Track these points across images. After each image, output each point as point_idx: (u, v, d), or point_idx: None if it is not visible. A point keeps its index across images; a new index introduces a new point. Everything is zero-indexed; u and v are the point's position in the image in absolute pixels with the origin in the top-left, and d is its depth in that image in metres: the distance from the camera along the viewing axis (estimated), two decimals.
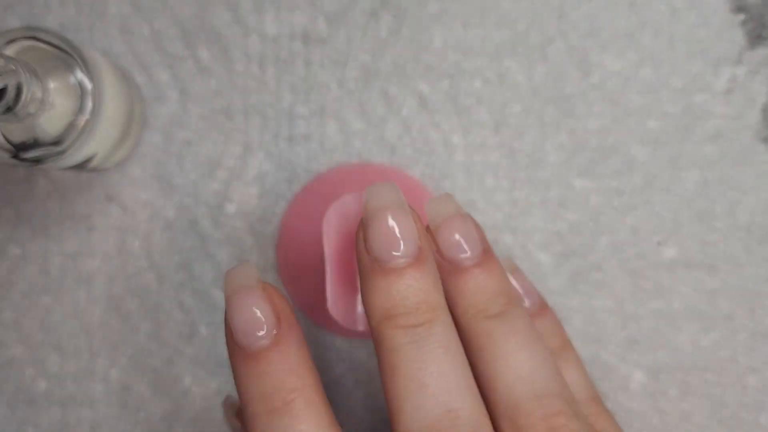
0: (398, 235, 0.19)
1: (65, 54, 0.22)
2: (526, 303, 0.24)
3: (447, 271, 0.20)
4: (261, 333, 0.19)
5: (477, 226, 0.21)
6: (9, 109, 0.20)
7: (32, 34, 0.22)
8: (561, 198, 0.28)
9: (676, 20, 0.28)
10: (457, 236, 0.20)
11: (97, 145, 0.24)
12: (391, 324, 0.18)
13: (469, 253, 0.20)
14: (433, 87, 0.28)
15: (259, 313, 0.19)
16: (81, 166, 0.25)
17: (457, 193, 0.29)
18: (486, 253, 0.20)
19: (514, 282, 0.24)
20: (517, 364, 0.18)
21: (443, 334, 0.18)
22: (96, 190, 0.29)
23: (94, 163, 0.25)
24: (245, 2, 0.28)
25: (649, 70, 0.28)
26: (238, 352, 0.19)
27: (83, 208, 0.29)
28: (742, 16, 0.28)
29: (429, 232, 0.20)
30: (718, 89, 0.28)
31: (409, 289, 0.19)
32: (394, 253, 0.19)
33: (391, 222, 0.19)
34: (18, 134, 0.22)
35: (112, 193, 0.29)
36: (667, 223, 0.28)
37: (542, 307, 0.26)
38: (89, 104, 0.22)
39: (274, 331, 0.19)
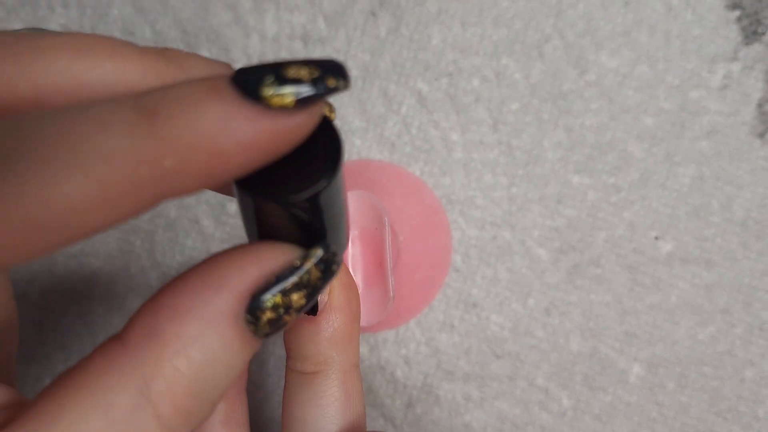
0: None
1: None
2: None
3: None
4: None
5: None
6: None
7: None
8: (559, 194, 0.29)
9: (672, 17, 0.28)
10: None
11: None
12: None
13: None
14: (432, 85, 0.29)
15: None
16: None
17: (456, 189, 0.29)
18: None
19: None
20: None
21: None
22: None
23: None
24: (245, 2, 0.28)
25: (645, 67, 0.29)
26: None
27: None
28: (737, 13, 0.28)
29: None
30: (713, 86, 0.28)
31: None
32: None
33: None
34: None
35: None
36: (664, 219, 0.29)
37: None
38: None
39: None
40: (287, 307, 0.13)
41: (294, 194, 0.13)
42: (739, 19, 0.28)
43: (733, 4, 0.28)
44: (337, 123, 0.29)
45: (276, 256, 0.13)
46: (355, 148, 0.29)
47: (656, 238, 0.29)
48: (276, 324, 0.13)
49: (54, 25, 0.29)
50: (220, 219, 0.29)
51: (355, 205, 0.25)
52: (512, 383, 0.29)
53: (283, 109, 0.11)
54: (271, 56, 0.29)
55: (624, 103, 0.29)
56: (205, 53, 0.29)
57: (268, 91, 0.11)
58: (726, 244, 0.29)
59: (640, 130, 0.29)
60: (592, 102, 0.29)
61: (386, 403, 0.29)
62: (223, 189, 0.16)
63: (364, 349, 0.29)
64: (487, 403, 0.29)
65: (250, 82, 0.11)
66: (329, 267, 0.14)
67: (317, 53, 0.29)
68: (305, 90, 0.12)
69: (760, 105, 0.28)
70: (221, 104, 0.11)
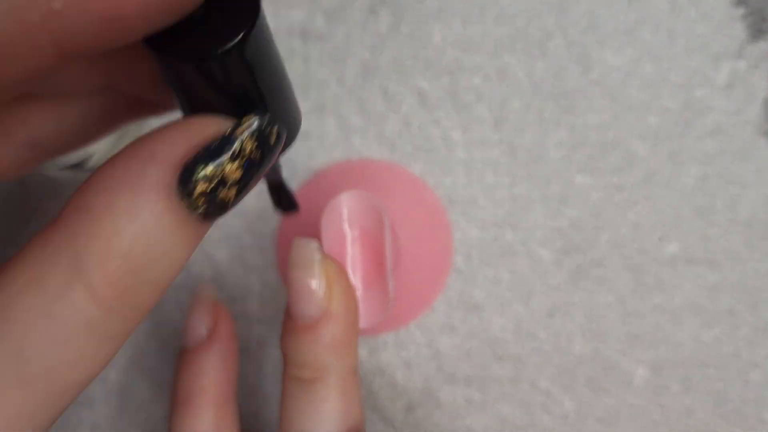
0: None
1: None
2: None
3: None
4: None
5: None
6: None
7: None
8: (562, 194, 0.28)
9: (676, 15, 0.28)
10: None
11: (94, 144, 0.24)
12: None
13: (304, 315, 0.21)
14: (433, 83, 0.28)
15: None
16: (79, 166, 0.24)
17: (457, 189, 0.28)
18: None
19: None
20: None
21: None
22: None
23: (91, 163, 0.25)
24: None
25: (649, 66, 0.28)
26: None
27: None
28: (742, 10, 0.28)
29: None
30: (718, 84, 0.28)
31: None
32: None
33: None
34: None
35: None
36: (668, 219, 0.28)
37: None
38: None
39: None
40: (222, 181, 0.12)
41: (206, 51, 0.12)
42: (744, 16, 0.28)
43: (738, 2, 0.28)
44: (337, 121, 0.29)
45: (206, 126, 0.13)
46: (355, 147, 0.28)
47: (660, 238, 0.28)
48: (211, 199, 0.13)
49: None
50: (220, 219, 0.29)
51: (355, 205, 0.24)
52: (514, 386, 0.28)
53: None
54: None
55: (627, 102, 0.28)
56: None
57: None
58: (731, 244, 0.28)
59: (643, 129, 0.28)
60: (595, 101, 0.28)
61: (386, 406, 0.29)
62: (154, 86, 0.15)
63: (363, 352, 0.29)
64: (489, 406, 0.28)
65: None
66: (266, 138, 0.13)
67: (316, 50, 0.28)
68: None
69: (765, 103, 0.28)
70: None
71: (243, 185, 0.13)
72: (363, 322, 0.24)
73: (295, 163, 0.28)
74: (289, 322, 0.21)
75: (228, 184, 0.13)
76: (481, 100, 0.28)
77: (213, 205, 0.13)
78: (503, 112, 0.28)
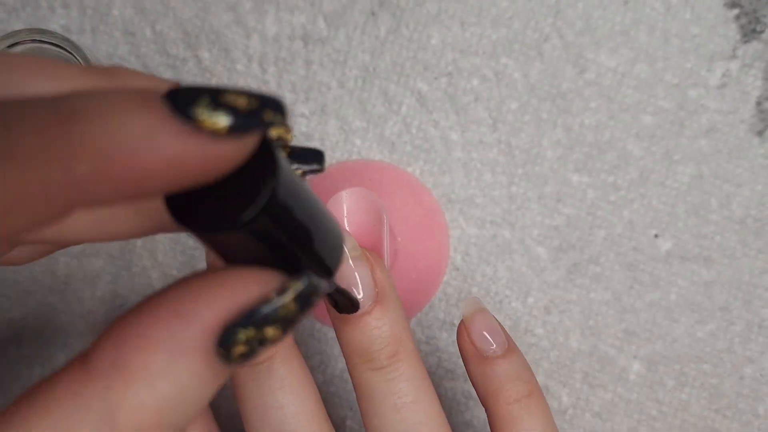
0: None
1: (69, 55, 0.23)
2: (493, 346, 0.23)
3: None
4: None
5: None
6: None
7: (37, 36, 0.23)
8: (558, 193, 0.29)
9: (671, 16, 0.29)
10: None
11: None
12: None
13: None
14: (432, 85, 0.29)
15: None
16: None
17: (456, 188, 0.29)
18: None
19: (479, 323, 0.24)
20: None
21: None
22: None
23: None
24: (246, 3, 0.29)
25: (643, 66, 0.29)
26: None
27: None
28: (735, 11, 0.29)
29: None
30: (712, 84, 0.29)
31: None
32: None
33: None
34: None
35: None
36: (663, 217, 0.29)
37: (509, 351, 0.23)
38: None
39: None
40: (261, 340, 0.12)
41: (227, 222, 0.12)
42: (737, 17, 0.29)
43: (731, 3, 0.29)
44: (337, 122, 0.29)
45: (249, 286, 0.12)
46: (355, 148, 0.29)
47: (656, 236, 0.29)
48: (249, 356, 0.12)
49: (54, 25, 0.29)
50: None
51: (355, 203, 0.25)
52: None
53: (214, 134, 0.11)
54: (271, 56, 0.29)
55: (623, 102, 0.29)
56: (205, 54, 0.29)
57: (201, 113, 0.11)
58: (725, 241, 0.29)
59: (639, 128, 0.29)
60: (591, 101, 0.29)
61: None
62: (164, 226, 0.15)
63: None
64: None
65: (183, 101, 0.11)
66: (308, 300, 0.13)
67: (317, 53, 0.29)
68: (238, 118, 0.11)
69: (758, 103, 0.29)
70: (147, 116, 0.11)
71: (279, 340, 0.13)
72: None
73: None
74: (343, 317, 0.21)
75: (267, 342, 0.13)
76: (479, 102, 0.29)
77: (249, 359, 0.13)
78: (501, 112, 0.29)
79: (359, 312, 0.21)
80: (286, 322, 0.13)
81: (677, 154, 0.29)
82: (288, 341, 0.23)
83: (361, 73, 0.29)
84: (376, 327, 0.21)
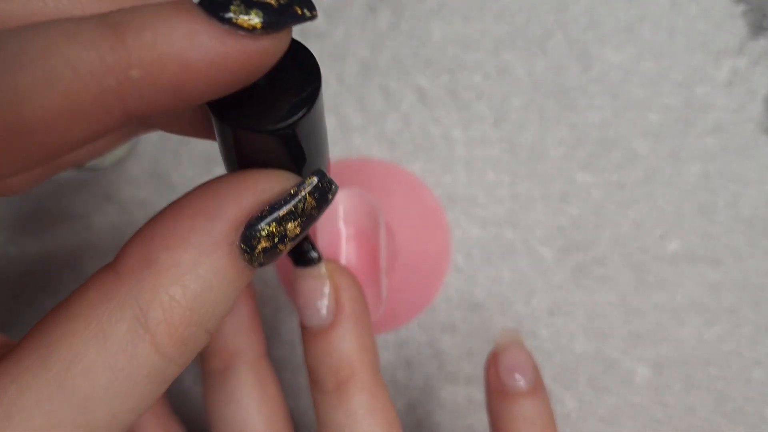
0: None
1: None
2: (519, 382, 0.22)
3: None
4: None
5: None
6: None
7: None
8: (562, 192, 0.28)
9: (676, 12, 0.28)
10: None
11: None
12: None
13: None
14: (433, 81, 0.28)
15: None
16: (79, 165, 0.24)
17: (458, 187, 0.28)
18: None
19: (510, 357, 0.23)
20: None
21: None
22: (94, 189, 0.29)
23: (91, 162, 0.25)
24: None
25: (649, 63, 0.28)
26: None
27: (81, 207, 0.29)
28: (742, 7, 0.28)
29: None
30: (719, 81, 0.28)
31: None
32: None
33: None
34: None
35: (110, 192, 0.28)
36: (670, 217, 0.28)
37: (534, 390, 0.22)
38: None
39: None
40: (282, 236, 0.13)
41: (274, 123, 0.13)
42: (744, 13, 0.28)
43: None
44: (336, 119, 0.28)
45: (272, 184, 0.13)
46: (354, 145, 0.28)
47: (661, 236, 0.28)
48: (270, 253, 0.13)
49: None
50: None
51: (351, 204, 0.24)
52: None
53: (251, 30, 0.11)
54: None
55: (628, 100, 0.28)
56: None
57: (236, 13, 0.11)
58: (732, 242, 0.28)
59: (644, 126, 0.28)
60: (596, 98, 0.28)
61: None
62: (201, 131, 0.16)
63: None
64: None
65: (217, 4, 0.11)
66: (324, 195, 0.14)
67: (316, 48, 0.28)
68: (272, 15, 0.12)
69: (766, 100, 0.28)
70: (189, 21, 0.11)
71: (299, 238, 0.13)
72: None
73: None
74: (305, 333, 0.20)
75: (287, 239, 0.13)
76: (482, 98, 0.28)
77: (270, 257, 0.13)
78: (503, 110, 0.28)
79: (315, 331, 0.20)
80: (306, 218, 0.13)
81: (683, 153, 0.28)
82: (259, 350, 0.22)
83: (360, 69, 0.28)
84: (325, 350, 0.19)
